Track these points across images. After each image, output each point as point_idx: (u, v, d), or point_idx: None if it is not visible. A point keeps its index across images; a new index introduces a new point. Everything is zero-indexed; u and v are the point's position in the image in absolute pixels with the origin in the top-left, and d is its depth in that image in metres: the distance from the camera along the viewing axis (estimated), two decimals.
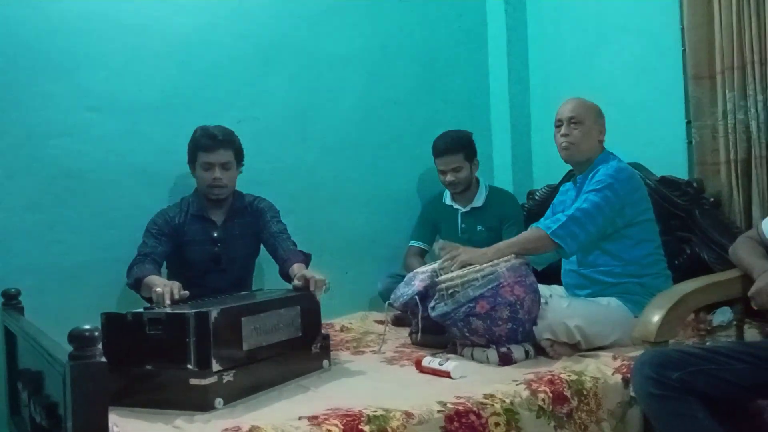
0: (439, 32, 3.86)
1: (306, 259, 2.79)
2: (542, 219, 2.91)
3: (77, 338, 1.38)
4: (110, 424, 1.40)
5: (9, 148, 2.75)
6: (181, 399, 1.93)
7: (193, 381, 1.93)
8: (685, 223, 2.94)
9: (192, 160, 2.89)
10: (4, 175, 2.73)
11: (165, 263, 2.86)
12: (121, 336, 2.02)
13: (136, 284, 2.63)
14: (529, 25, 3.92)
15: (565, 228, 2.58)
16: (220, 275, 2.86)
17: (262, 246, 2.99)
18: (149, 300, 2.50)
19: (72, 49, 2.88)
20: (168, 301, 2.26)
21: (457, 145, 3.40)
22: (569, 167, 3.01)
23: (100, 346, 1.40)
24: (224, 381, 1.97)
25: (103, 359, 1.39)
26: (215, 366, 1.95)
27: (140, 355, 2.00)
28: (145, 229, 2.83)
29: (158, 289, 2.31)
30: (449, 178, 3.41)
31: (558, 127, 2.79)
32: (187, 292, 2.36)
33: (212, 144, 2.82)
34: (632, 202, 2.65)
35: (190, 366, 1.94)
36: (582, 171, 2.77)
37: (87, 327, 1.39)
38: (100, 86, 2.93)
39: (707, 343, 2.30)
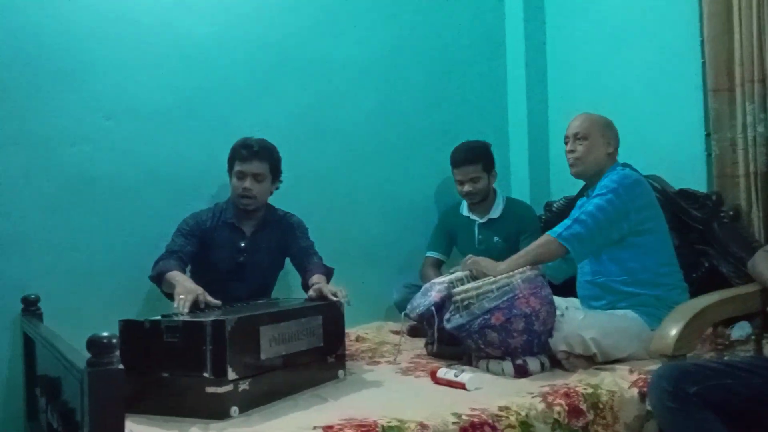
0: (456, 40, 3.87)
1: (328, 272, 2.82)
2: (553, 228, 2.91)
3: (95, 345, 1.39)
4: (126, 431, 1.41)
5: (27, 155, 2.77)
6: (197, 407, 1.94)
7: (209, 389, 1.94)
8: (704, 236, 2.92)
9: (229, 169, 2.92)
10: (22, 182, 2.76)
11: (189, 266, 2.88)
12: (138, 343, 2.03)
13: (159, 278, 2.66)
14: (548, 36, 3.91)
15: (571, 230, 2.60)
16: (241, 284, 2.88)
17: (287, 260, 3.01)
18: (169, 296, 2.52)
19: (88, 57, 2.90)
20: (186, 309, 2.27)
21: (476, 156, 3.40)
22: None
23: (117, 353, 1.41)
24: (240, 389, 1.98)
25: (121, 366, 1.40)
26: (231, 374, 1.96)
27: (157, 362, 2.01)
28: (176, 228, 2.85)
29: (181, 296, 2.32)
30: (467, 188, 3.40)
31: (566, 143, 2.82)
32: (218, 302, 2.38)
33: (247, 154, 2.85)
34: (637, 208, 2.63)
35: (206, 374, 1.95)
36: (593, 184, 2.76)
37: (105, 334, 1.40)
38: (115, 93, 2.95)
39: (725, 358, 2.29)
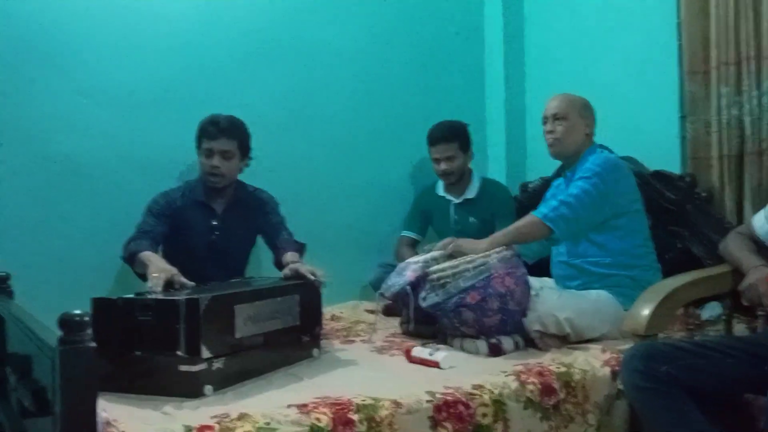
0: (434, 24, 3.86)
1: (300, 248, 2.81)
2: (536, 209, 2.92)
3: (67, 323, 1.37)
4: (99, 409, 1.40)
5: (8, 140, 2.75)
6: (171, 385, 1.93)
7: (183, 367, 1.93)
8: (677, 217, 2.95)
9: (197, 146, 2.89)
10: (2, 166, 2.73)
11: (161, 247, 2.86)
12: (111, 321, 2.00)
13: (131, 258, 2.63)
14: (525, 17, 3.91)
15: (557, 211, 2.60)
16: (214, 263, 2.85)
17: (258, 238, 3.00)
18: (142, 276, 2.50)
19: (71, 42, 2.89)
20: (160, 288, 2.25)
21: (452, 134, 3.41)
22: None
23: (90, 330, 1.40)
24: (214, 368, 1.97)
25: (93, 344, 1.38)
26: (205, 353, 1.95)
27: (130, 340, 1.99)
28: (146, 207, 2.82)
29: (154, 275, 2.30)
30: (443, 166, 3.41)
31: (544, 124, 2.82)
32: (192, 283, 2.36)
33: (215, 131, 2.82)
34: (620, 191, 2.66)
35: (179, 352, 1.94)
36: (571, 165, 2.78)
37: (77, 312, 1.39)
38: (99, 79, 2.94)
39: (696, 338, 2.32)
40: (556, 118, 2.77)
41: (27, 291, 2.58)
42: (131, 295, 2.12)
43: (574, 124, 2.75)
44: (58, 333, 1.38)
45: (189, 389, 1.92)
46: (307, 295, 2.40)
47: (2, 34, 2.73)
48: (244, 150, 2.91)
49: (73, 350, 1.37)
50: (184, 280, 2.35)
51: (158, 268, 2.39)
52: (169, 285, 2.29)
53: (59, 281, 2.77)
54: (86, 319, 1.39)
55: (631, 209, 2.69)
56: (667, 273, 2.56)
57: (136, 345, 1.99)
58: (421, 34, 3.82)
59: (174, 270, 2.38)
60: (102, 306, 2.05)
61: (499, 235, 2.65)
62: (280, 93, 3.38)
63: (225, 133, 2.83)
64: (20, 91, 2.78)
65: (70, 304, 1.46)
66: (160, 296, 2.10)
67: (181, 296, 2.01)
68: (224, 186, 2.89)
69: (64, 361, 1.37)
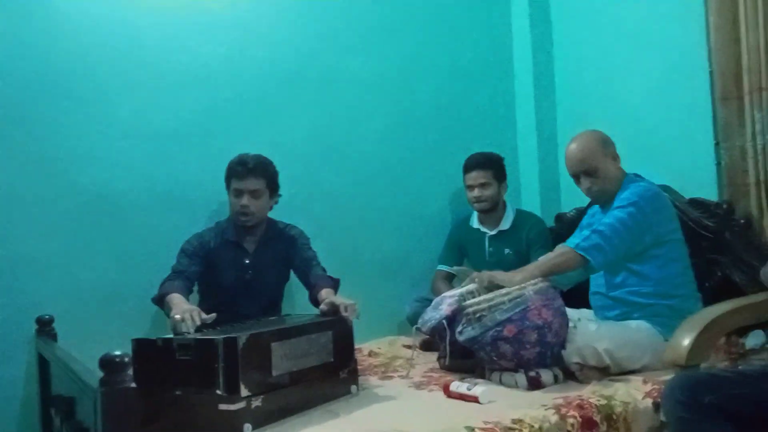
0: (464, 55, 3.88)
1: (335, 284, 2.82)
2: (569, 240, 2.90)
3: (108, 364, 1.40)
4: None
5: (43, 176, 2.80)
6: (210, 424, 1.94)
7: (222, 406, 1.94)
8: (716, 244, 2.90)
9: (227, 186, 2.93)
10: (36, 202, 2.78)
11: (197, 287, 2.90)
12: (151, 361, 2.04)
13: (160, 300, 2.67)
14: (555, 48, 3.91)
15: (591, 241, 2.58)
16: (250, 301, 2.88)
17: (291, 272, 3.02)
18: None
19: (103, 79, 2.93)
20: (190, 329, 2.26)
21: (488, 162, 3.44)
22: None
23: (130, 371, 1.42)
24: (253, 406, 1.98)
25: (133, 384, 1.41)
26: (244, 391, 1.97)
27: (170, 380, 2.02)
28: (180, 248, 2.86)
29: (177, 316, 2.31)
30: (476, 193, 3.42)
31: (575, 179, 2.78)
32: (213, 314, 2.37)
33: (242, 171, 2.86)
34: (659, 221, 2.63)
35: (218, 391, 1.96)
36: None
37: (117, 353, 1.41)
38: (129, 114, 2.98)
39: (740, 367, 2.27)
40: (586, 174, 2.72)
41: (70, 333, 2.63)
42: (170, 335, 2.15)
43: (606, 169, 2.71)
44: (99, 374, 1.41)
45: (228, 428, 1.93)
46: (340, 331, 2.40)
47: (31, 72, 2.79)
48: (273, 188, 2.95)
49: (113, 391, 1.39)
50: (204, 315, 2.35)
51: (181, 309, 2.40)
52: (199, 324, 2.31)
53: (101, 322, 2.79)
54: (126, 359, 1.42)
55: (670, 238, 2.66)
56: (708, 302, 2.52)
57: (175, 384, 2.01)
58: (451, 66, 3.85)
59: (195, 308, 2.39)
60: (142, 346, 2.08)
61: (532, 266, 2.63)
62: (310, 126, 3.40)
63: (253, 173, 2.87)
64: (60, 134, 2.84)
65: (111, 344, 1.49)
66: (199, 336, 2.13)
67: (220, 335, 2.03)
68: (255, 224, 2.93)
69: (105, 401, 1.39)
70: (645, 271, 2.64)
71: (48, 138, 2.83)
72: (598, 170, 2.71)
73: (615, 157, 2.75)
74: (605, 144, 2.75)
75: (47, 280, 2.77)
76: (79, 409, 1.89)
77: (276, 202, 2.99)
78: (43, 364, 2.59)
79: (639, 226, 2.59)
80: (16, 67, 2.77)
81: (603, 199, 2.76)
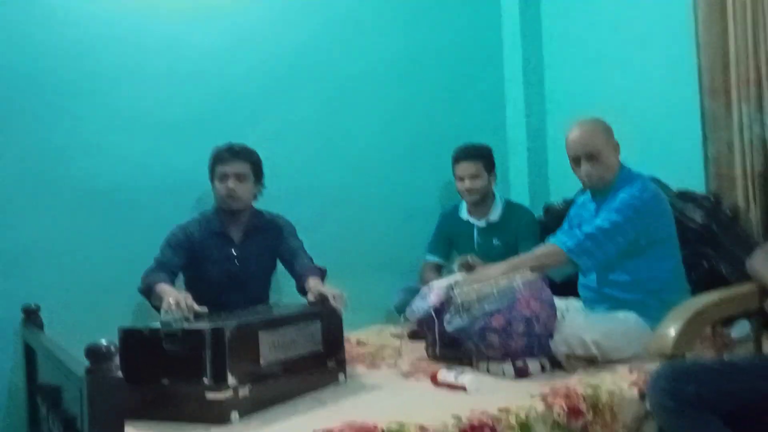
0: (454, 47, 3.89)
1: (321, 273, 2.82)
2: (558, 232, 2.91)
3: (94, 353, 1.40)
4: None
5: (32, 166, 2.80)
6: (198, 413, 1.95)
7: (210, 395, 1.95)
8: (703, 236, 2.92)
9: (211, 174, 2.93)
10: (28, 193, 2.78)
11: (184, 279, 2.90)
12: (138, 351, 2.04)
13: (147, 291, 2.67)
14: (544, 41, 3.92)
15: (582, 246, 2.58)
16: (237, 292, 2.88)
17: (278, 262, 3.01)
18: (158, 308, 2.51)
19: (100, 69, 2.94)
20: (184, 309, 2.26)
21: (477, 153, 3.44)
22: None
23: (117, 360, 1.42)
24: (240, 395, 1.98)
25: (119, 374, 1.40)
26: (231, 380, 1.97)
27: (157, 369, 2.02)
28: (164, 239, 2.86)
29: (171, 299, 2.29)
30: (467, 184, 3.42)
31: (575, 161, 2.74)
32: (204, 308, 2.36)
33: (228, 155, 2.88)
34: (655, 222, 2.64)
35: (206, 380, 1.96)
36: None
37: (103, 342, 1.41)
38: (127, 105, 2.99)
39: (725, 357, 2.29)
40: (589, 157, 2.69)
41: (56, 322, 2.62)
42: (157, 325, 2.14)
43: (608, 156, 2.70)
44: (86, 363, 1.41)
45: (216, 417, 1.93)
46: (328, 321, 2.40)
47: (27, 64, 2.79)
48: (258, 174, 2.96)
49: (100, 380, 1.39)
50: (196, 306, 2.35)
51: (175, 295, 2.39)
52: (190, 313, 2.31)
53: (88, 312, 2.78)
54: (112, 349, 1.42)
55: (664, 237, 2.67)
56: (695, 293, 2.52)
57: (162, 374, 2.01)
58: (442, 58, 3.85)
59: (188, 295, 2.39)
60: (129, 335, 2.08)
61: (517, 260, 2.64)
62: (303, 118, 3.41)
63: (238, 156, 2.89)
64: (54, 124, 2.83)
65: (98, 333, 1.49)
66: (186, 326, 2.12)
67: (207, 325, 2.03)
68: (240, 212, 2.93)
69: (91, 390, 1.39)
70: (637, 268, 2.64)
71: (40, 129, 2.83)
72: (600, 155, 2.68)
73: (616, 148, 2.74)
74: (609, 132, 2.75)
75: (34, 269, 2.77)
76: (66, 397, 1.89)
77: (260, 192, 3.00)
78: (30, 353, 2.58)
79: (635, 230, 2.59)
80: (13, 60, 2.78)
81: (598, 186, 2.75)
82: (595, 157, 2.69)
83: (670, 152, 3.19)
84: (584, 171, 2.72)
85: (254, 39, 3.31)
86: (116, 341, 1.64)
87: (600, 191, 2.76)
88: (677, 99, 3.17)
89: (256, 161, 2.94)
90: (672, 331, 2.04)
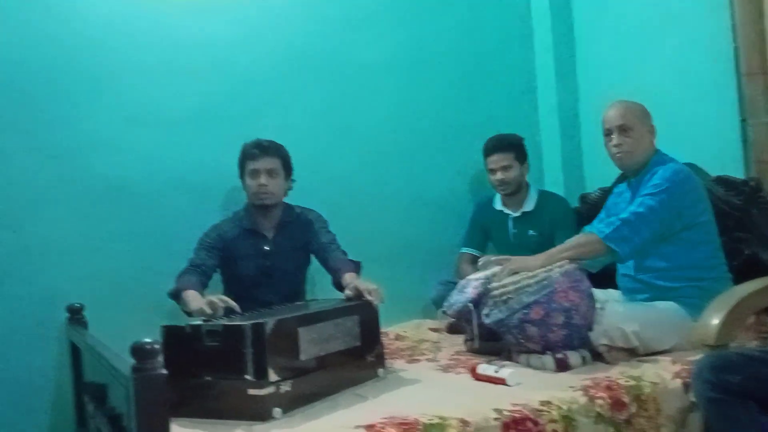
0: (482, 34, 3.85)
1: (357, 267, 2.83)
2: (595, 222, 2.89)
3: (139, 351, 1.42)
4: None
5: (58, 164, 2.84)
6: (240, 409, 1.96)
7: (251, 391, 1.96)
8: (743, 223, 2.86)
9: (241, 171, 2.95)
10: (55, 191, 2.83)
11: (221, 276, 2.93)
12: (180, 348, 2.06)
13: (176, 294, 2.69)
14: (575, 25, 3.86)
15: (619, 232, 2.55)
16: (272, 288, 2.90)
17: (313, 257, 3.03)
18: (187, 314, 2.54)
19: (113, 64, 2.96)
20: (220, 312, 2.30)
21: (508, 144, 3.43)
22: None
23: (160, 358, 1.44)
24: (282, 391, 2.00)
25: (164, 371, 1.42)
26: (272, 376, 1.98)
27: (199, 366, 2.04)
28: (198, 241, 2.89)
29: (204, 308, 2.33)
30: (499, 176, 3.40)
31: (608, 135, 2.75)
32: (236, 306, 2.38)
33: (258, 152, 2.90)
34: (690, 205, 2.60)
35: (248, 376, 1.97)
36: (636, 174, 2.73)
37: (148, 340, 1.43)
38: (141, 99, 3.01)
39: None
40: (622, 130, 2.70)
41: (99, 320, 2.66)
42: (199, 322, 2.17)
43: (641, 134, 2.70)
44: (131, 361, 1.43)
45: (258, 413, 1.94)
46: (366, 315, 2.41)
47: (45, 63, 2.83)
48: (288, 169, 2.97)
49: (146, 378, 1.41)
50: (229, 301, 2.37)
51: (199, 303, 2.42)
52: (213, 307, 2.33)
53: (128, 308, 2.82)
54: (157, 347, 1.43)
55: (700, 220, 2.63)
56: (735, 280, 2.50)
57: (205, 370, 2.03)
58: (469, 45, 3.81)
59: (218, 296, 2.42)
60: (171, 333, 2.10)
61: (555, 250, 2.62)
62: (326, 109, 3.40)
63: (268, 152, 2.90)
64: (71, 121, 2.87)
65: (140, 331, 1.51)
66: (227, 322, 2.15)
67: (247, 321, 2.05)
68: (272, 208, 2.95)
69: (137, 388, 1.41)
70: (674, 254, 2.61)
71: (65, 128, 2.86)
72: (633, 130, 2.69)
73: (652, 131, 2.74)
74: (645, 113, 2.75)
75: (75, 268, 2.82)
76: (112, 395, 1.91)
77: (290, 187, 3.01)
78: (75, 352, 2.63)
79: (669, 214, 2.56)
80: (31, 60, 2.81)
81: (628, 163, 2.73)
82: (628, 130, 2.69)
83: (707, 137, 3.13)
84: (614, 143, 2.72)
85: (271, 28, 3.29)
86: (157, 338, 1.66)
87: (635, 177, 2.73)
88: (714, 82, 3.10)
89: (285, 156, 2.96)
90: (715, 321, 2.03)
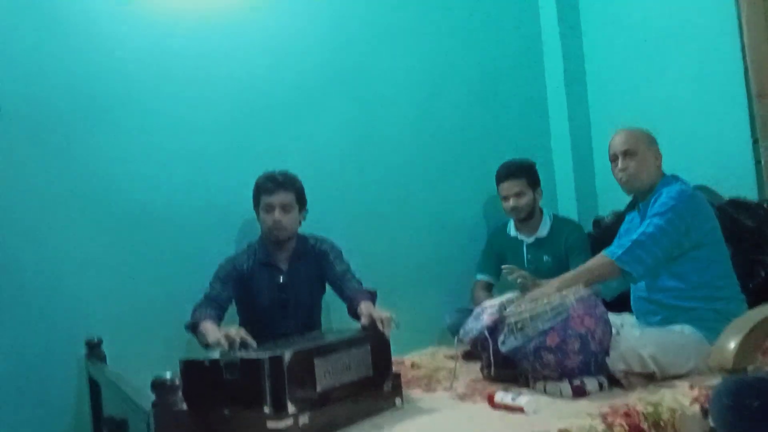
0: (495, 59, 3.90)
1: (372, 297, 2.84)
2: (608, 247, 2.89)
3: (159, 386, 1.44)
4: None
5: (82, 199, 2.85)
6: None
7: (270, 424, 1.96)
8: (758, 244, 2.87)
9: (256, 205, 2.98)
10: (79, 227, 2.83)
11: (236, 308, 2.95)
12: (199, 381, 2.07)
13: (193, 328, 2.70)
14: (585, 50, 3.91)
15: (631, 253, 2.56)
16: (287, 319, 2.93)
17: (328, 285, 3.04)
18: (205, 346, 2.56)
19: (143, 93, 2.99)
20: (236, 342, 2.32)
21: (520, 170, 3.44)
22: None
23: (180, 393, 1.46)
24: (300, 423, 2.00)
25: (184, 406, 1.44)
26: (291, 408, 1.98)
27: (218, 399, 2.04)
28: (214, 273, 2.92)
29: (221, 340, 2.36)
30: (511, 203, 3.42)
31: (614, 161, 2.79)
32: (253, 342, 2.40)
33: (272, 186, 2.92)
34: (698, 224, 2.61)
35: (266, 409, 1.98)
36: (645, 198, 2.75)
37: (168, 375, 1.45)
38: (170, 128, 3.03)
39: None
40: (626, 154, 2.74)
41: (118, 354, 2.68)
42: (217, 355, 2.18)
43: (646, 158, 2.73)
44: (151, 396, 1.45)
45: None
46: (377, 344, 2.41)
47: (71, 96, 2.85)
48: (302, 202, 2.99)
49: (166, 413, 1.43)
50: (249, 338, 2.40)
51: (216, 335, 2.45)
52: (241, 344, 2.36)
53: (147, 343, 2.83)
54: (177, 382, 1.45)
55: (709, 240, 2.64)
56: (752, 303, 2.49)
57: (224, 404, 2.03)
58: (483, 70, 3.86)
59: (237, 328, 2.44)
60: (190, 367, 2.11)
61: (569, 275, 2.63)
62: (343, 133, 3.42)
63: (283, 187, 2.92)
64: (100, 150, 2.89)
65: (158, 365, 1.53)
66: (245, 355, 2.15)
67: (265, 353, 2.06)
68: (286, 241, 2.97)
69: (158, 423, 1.43)
70: (685, 274, 2.62)
71: (88, 160, 2.87)
72: (638, 154, 2.72)
73: (657, 156, 2.76)
74: (651, 140, 2.78)
75: (94, 303, 2.83)
76: (132, 430, 1.92)
77: (304, 218, 3.03)
78: (94, 386, 2.65)
79: (678, 232, 2.57)
80: (58, 93, 2.83)
81: (634, 186, 2.76)
82: (632, 154, 2.73)
83: (719, 159, 3.14)
84: (620, 168, 2.76)
85: (290, 57, 3.32)
86: (175, 372, 1.67)
87: (643, 202, 2.75)
88: (725, 103, 3.13)
89: (299, 189, 2.98)
90: (731, 345, 2.01)
